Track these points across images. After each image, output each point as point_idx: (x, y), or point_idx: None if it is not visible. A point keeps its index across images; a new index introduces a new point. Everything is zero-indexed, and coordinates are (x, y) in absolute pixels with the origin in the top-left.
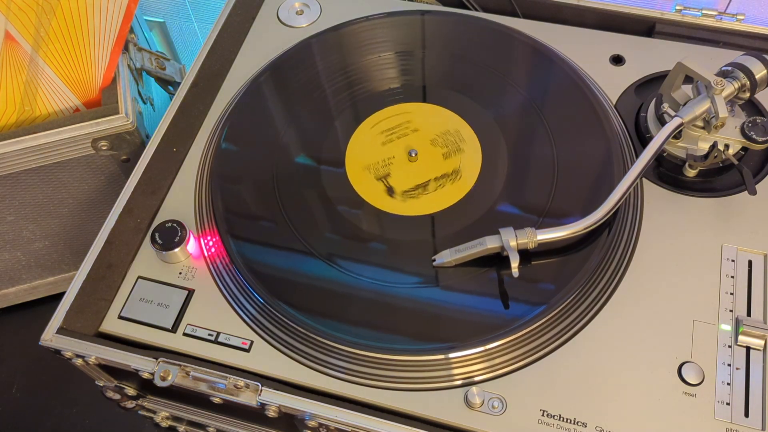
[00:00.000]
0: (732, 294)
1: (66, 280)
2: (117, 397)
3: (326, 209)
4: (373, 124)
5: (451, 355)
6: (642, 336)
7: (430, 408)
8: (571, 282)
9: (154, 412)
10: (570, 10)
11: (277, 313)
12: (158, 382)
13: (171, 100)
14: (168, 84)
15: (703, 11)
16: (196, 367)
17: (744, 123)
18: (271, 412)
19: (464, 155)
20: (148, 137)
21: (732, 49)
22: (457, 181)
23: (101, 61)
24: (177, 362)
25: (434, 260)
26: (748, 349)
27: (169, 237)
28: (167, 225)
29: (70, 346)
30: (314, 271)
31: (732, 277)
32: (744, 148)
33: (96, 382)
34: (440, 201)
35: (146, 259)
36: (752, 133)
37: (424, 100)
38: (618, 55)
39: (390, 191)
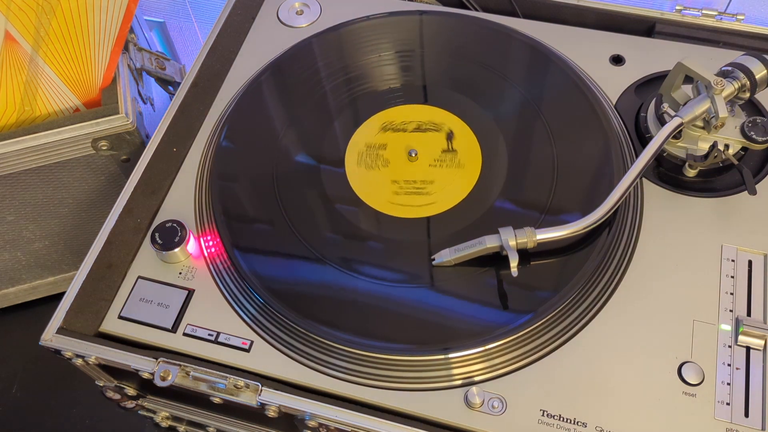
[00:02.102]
0: (732, 294)
1: (66, 280)
2: (117, 397)
3: (326, 209)
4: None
5: (450, 355)
6: (642, 336)
7: (430, 408)
8: (571, 282)
9: (154, 412)
10: (570, 10)
11: (277, 313)
12: (158, 382)
13: (171, 100)
14: (168, 84)
15: (703, 11)
16: (196, 367)
17: (744, 123)
18: (271, 412)
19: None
20: (148, 137)
21: (732, 49)
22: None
23: (101, 61)
24: (177, 362)
25: (434, 259)
26: (748, 349)
27: (169, 237)
28: (167, 225)
29: (70, 346)
30: (314, 271)
31: (732, 277)
32: (744, 148)
33: (96, 382)
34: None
35: (146, 259)
36: (752, 133)
37: (424, 100)
38: (618, 55)
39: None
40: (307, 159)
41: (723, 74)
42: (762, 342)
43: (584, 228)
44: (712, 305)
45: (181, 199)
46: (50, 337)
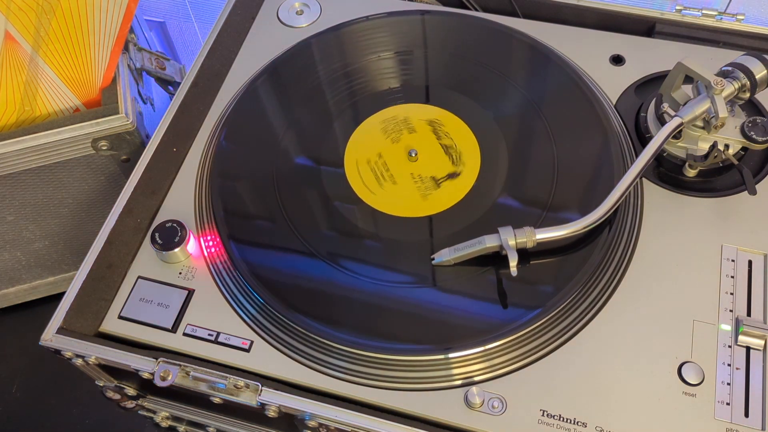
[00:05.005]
0: (732, 294)
1: (66, 280)
2: (117, 397)
3: (326, 209)
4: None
5: (450, 355)
6: (642, 336)
7: (430, 408)
8: (571, 282)
9: (154, 412)
10: (570, 10)
11: (277, 313)
12: (158, 382)
13: (171, 100)
14: (168, 84)
15: (703, 11)
16: (196, 367)
17: (744, 123)
18: (271, 412)
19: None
20: (148, 137)
21: (732, 49)
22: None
23: (101, 61)
24: (177, 362)
25: (433, 259)
26: (748, 349)
27: (169, 237)
28: (167, 225)
29: (70, 346)
30: (314, 271)
31: (732, 277)
32: (744, 148)
33: (96, 382)
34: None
35: (146, 259)
36: (752, 133)
37: (424, 100)
38: (618, 55)
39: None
40: (307, 159)
41: (723, 74)
42: (762, 342)
43: (584, 228)
44: (712, 305)
45: (181, 199)
46: (50, 337)
